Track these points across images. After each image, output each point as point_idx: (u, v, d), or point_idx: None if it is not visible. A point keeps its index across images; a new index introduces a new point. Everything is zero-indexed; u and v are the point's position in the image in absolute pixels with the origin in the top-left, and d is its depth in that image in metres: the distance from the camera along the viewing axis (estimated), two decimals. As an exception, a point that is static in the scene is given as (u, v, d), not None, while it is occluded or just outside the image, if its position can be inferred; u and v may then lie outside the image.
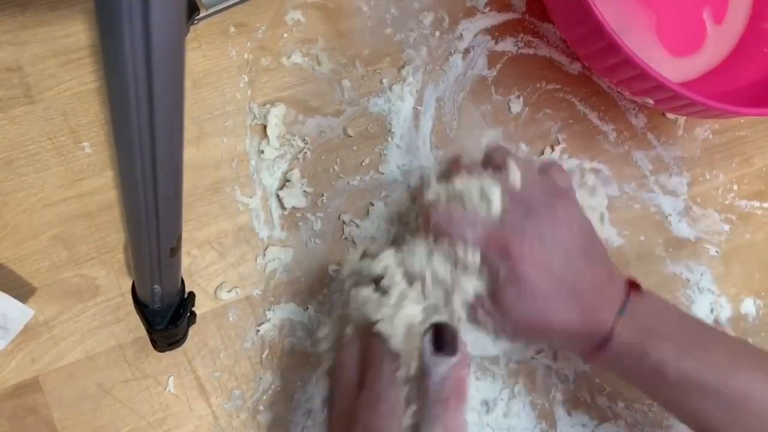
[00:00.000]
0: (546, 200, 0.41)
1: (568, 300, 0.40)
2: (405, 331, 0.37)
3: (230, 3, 0.49)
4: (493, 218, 0.40)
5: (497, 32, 0.55)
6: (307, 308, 0.48)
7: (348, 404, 0.38)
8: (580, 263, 0.40)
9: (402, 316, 0.37)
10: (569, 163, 0.54)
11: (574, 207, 0.43)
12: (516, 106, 0.54)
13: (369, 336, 0.38)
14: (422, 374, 0.34)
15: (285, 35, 0.50)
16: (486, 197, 0.40)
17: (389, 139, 0.51)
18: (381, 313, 0.38)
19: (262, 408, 0.47)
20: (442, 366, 0.33)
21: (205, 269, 0.47)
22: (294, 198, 0.49)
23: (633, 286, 0.42)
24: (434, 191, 0.42)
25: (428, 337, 0.35)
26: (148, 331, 0.43)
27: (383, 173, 0.51)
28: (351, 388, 0.38)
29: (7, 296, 0.41)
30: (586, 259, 0.41)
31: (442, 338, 0.35)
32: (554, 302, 0.39)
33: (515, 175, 0.41)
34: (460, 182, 0.41)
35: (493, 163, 0.43)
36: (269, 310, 0.48)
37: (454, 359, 0.34)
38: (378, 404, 0.36)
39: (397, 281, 0.40)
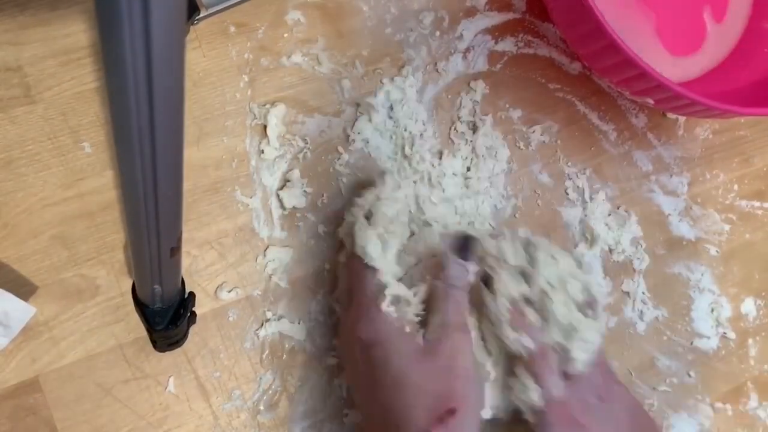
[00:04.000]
0: None
1: None
2: (380, 250, 0.40)
3: (230, 3, 0.49)
4: None
5: (497, 32, 0.55)
6: (306, 314, 0.48)
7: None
8: None
9: (376, 233, 0.40)
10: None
11: None
12: (515, 107, 0.54)
13: (353, 258, 0.42)
14: (441, 269, 0.37)
15: (285, 35, 0.50)
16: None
17: (389, 139, 0.51)
18: (360, 230, 0.41)
19: (262, 408, 0.47)
20: (459, 265, 0.37)
21: (205, 269, 0.47)
22: (294, 198, 0.49)
23: None
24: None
25: (453, 242, 0.38)
26: (148, 331, 0.43)
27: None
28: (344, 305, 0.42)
29: (8, 294, 0.41)
30: None
31: (466, 247, 0.38)
32: None
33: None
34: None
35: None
36: (269, 310, 0.48)
37: (469, 265, 0.37)
38: (364, 314, 0.39)
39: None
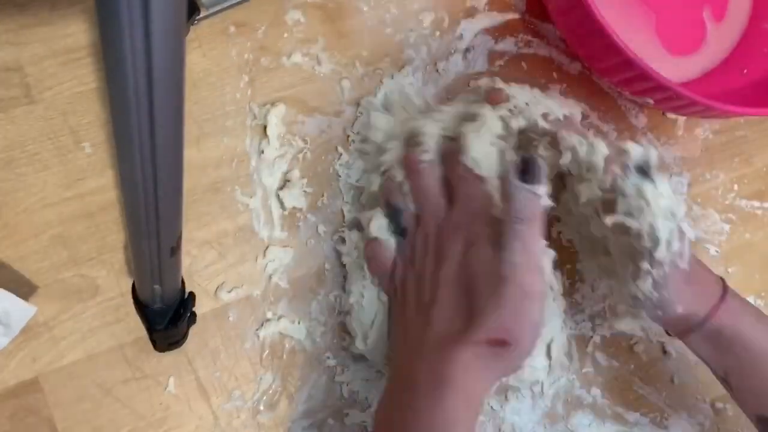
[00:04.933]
0: None
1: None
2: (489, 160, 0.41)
3: (230, 3, 0.49)
4: None
5: (497, 32, 0.55)
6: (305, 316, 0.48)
7: (435, 223, 0.42)
8: None
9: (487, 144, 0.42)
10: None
11: None
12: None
13: (454, 163, 0.42)
14: (508, 198, 0.38)
15: (285, 35, 0.50)
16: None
17: (389, 139, 0.51)
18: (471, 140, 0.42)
19: (262, 408, 0.47)
20: (525, 192, 0.37)
21: (205, 269, 0.47)
22: (294, 198, 0.49)
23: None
24: None
25: (515, 166, 0.38)
26: (148, 331, 0.43)
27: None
28: (440, 208, 0.42)
29: (9, 293, 0.41)
30: None
31: (530, 169, 0.38)
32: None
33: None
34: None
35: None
36: (269, 310, 0.48)
37: (537, 188, 0.38)
38: (474, 219, 0.40)
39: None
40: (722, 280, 0.45)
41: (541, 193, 0.38)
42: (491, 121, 0.44)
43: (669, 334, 0.47)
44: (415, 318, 0.42)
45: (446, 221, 0.43)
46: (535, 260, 0.39)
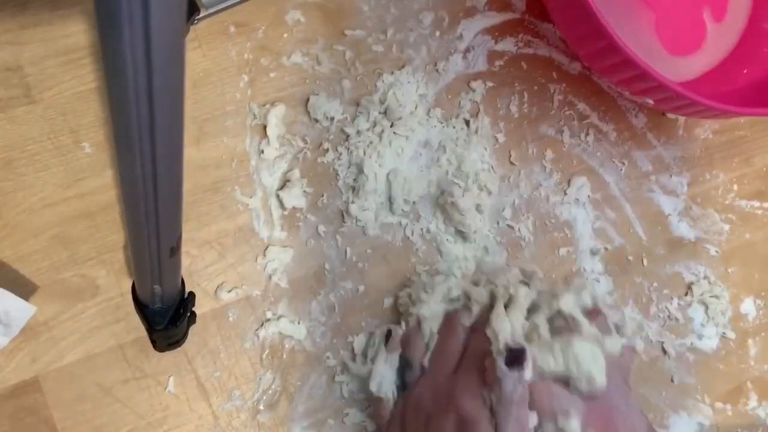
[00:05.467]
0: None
1: None
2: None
3: (230, 3, 0.49)
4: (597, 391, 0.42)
5: (497, 32, 0.55)
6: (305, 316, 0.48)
7: (442, 382, 0.43)
8: None
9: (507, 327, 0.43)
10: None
11: None
12: (516, 107, 0.54)
13: (481, 336, 0.43)
14: (496, 382, 0.40)
15: (285, 35, 0.50)
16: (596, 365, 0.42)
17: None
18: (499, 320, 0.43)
19: (262, 408, 0.47)
20: (513, 379, 0.40)
21: (205, 269, 0.47)
22: (294, 198, 0.49)
23: None
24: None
25: (502, 356, 0.41)
26: (148, 331, 0.43)
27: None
28: (448, 370, 0.43)
29: (9, 293, 0.41)
30: None
31: (518, 360, 0.41)
32: None
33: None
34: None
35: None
36: (269, 310, 0.48)
37: (524, 374, 0.40)
38: (473, 392, 0.42)
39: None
40: None
41: (527, 377, 0.41)
42: (523, 300, 0.45)
43: None
44: None
45: (441, 391, 0.43)
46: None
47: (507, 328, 0.42)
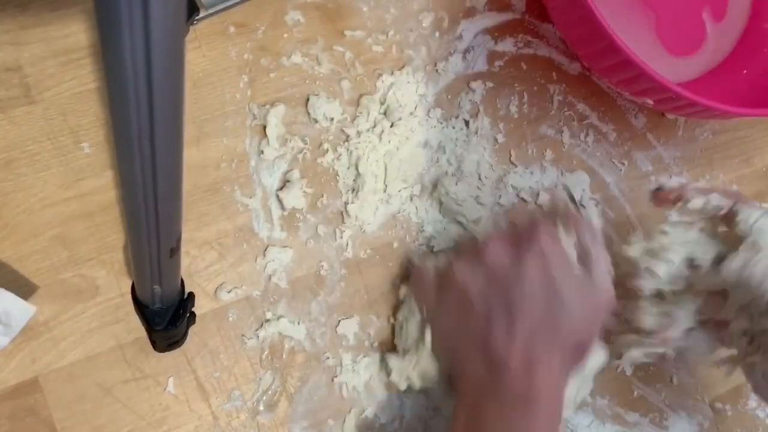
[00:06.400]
0: None
1: None
2: None
3: (230, 3, 0.49)
4: None
5: (497, 32, 0.55)
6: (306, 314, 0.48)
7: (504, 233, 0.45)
8: None
9: None
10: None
11: None
12: (515, 107, 0.54)
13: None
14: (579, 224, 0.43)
15: (285, 35, 0.50)
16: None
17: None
18: None
19: (261, 408, 0.47)
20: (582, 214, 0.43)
21: (205, 269, 0.47)
22: (294, 198, 0.49)
23: None
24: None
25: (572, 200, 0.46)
26: (147, 331, 0.43)
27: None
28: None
29: (9, 293, 0.41)
30: None
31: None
32: None
33: None
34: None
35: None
36: (269, 310, 0.48)
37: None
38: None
39: None
40: None
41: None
42: None
43: None
44: (491, 327, 0.42)
45: (519, 236, 0.44)
46: (608, 270, 0.43)
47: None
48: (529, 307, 0.41)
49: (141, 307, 0.42)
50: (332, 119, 0.50)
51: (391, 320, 0.50)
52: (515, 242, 0.44)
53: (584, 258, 0.42)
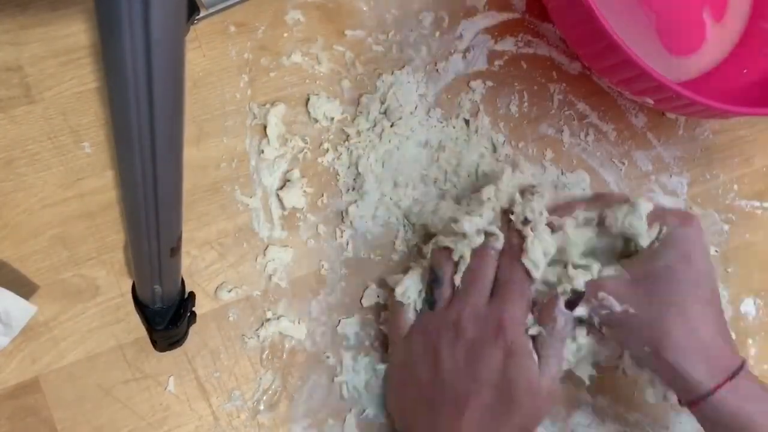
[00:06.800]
0: None
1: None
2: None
3: (230, 3, 0.49)
4: None
5: (497, 32, 0.55)
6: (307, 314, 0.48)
7: (473, 311, 0.44)
8: None
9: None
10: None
11: None
12: (515, 106, 0.54)
13: (516, 264, 0.44)
14: (549, 317, 0.43)
15: (285, 35, 0.50)
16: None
17: (389, 139, 0.51)
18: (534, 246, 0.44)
19: (262, 408, 0.47)
20: (568, 317, 0.43)
21: (205, 269, 0.47)
22: (294, 198, 0.49)
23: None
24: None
25: (563, 298, 0.43)
26: (148, 331, 0.43)
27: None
28: (483, 296, 0.44)
29: (9, 293, 0.41)
30: None
31: (577, 301, 0.43)
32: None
33: None
34: None
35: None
36: (269, 310, 0.48)
37: (575, 312, 0.43)
38: (515, 324, 0.43)
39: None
40: (743, 360, 0.42)
41: (578, 313, 0.44)
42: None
43: (680, 403, 0.45)
44: (438, 399, 0.44)
45: (485, 317, 0.44)
46: (562, 368, 0.44)
47: (541, 258, 0.43)
48: (483, 395, 0.42)
49: (141, 306, 0.42)
50: (332, 119, 0.50)
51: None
52: (486, 316, 0.43)
53: (539, 347, 0.43)
